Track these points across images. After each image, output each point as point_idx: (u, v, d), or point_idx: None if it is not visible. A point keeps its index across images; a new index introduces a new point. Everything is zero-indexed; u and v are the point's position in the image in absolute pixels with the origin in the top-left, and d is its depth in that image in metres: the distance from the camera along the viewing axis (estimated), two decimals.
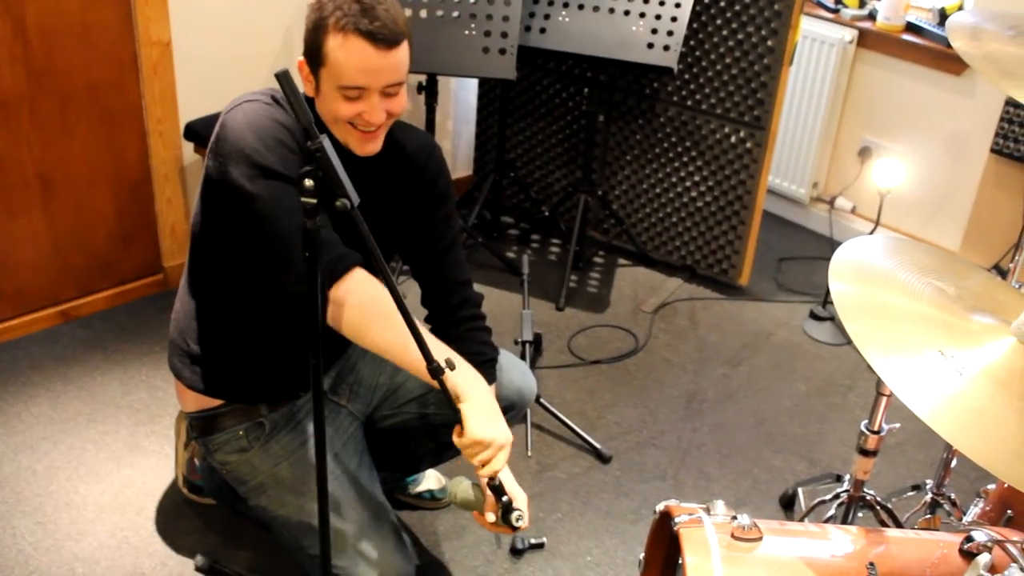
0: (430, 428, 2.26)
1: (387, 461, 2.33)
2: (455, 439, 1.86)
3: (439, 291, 2.19)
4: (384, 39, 1.80)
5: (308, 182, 1.54)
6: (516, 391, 2.29)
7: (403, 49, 1.85)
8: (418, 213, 2.14)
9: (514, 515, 1.92)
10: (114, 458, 2.73)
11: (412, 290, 2.26)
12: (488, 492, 1.93)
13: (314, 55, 1.84)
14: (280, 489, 2.08)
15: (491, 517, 1.96)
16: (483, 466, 1.87)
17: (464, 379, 1.85)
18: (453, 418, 1.85)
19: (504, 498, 1.91)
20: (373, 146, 1.93)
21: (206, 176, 1.92)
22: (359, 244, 1.61)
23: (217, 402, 2.11)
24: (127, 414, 2.90)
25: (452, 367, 1.76)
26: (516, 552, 2.54)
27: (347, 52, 1.80)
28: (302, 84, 1.91)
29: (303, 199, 1.54)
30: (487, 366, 2.14)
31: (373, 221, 2.01)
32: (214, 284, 2.07)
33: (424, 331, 1.78)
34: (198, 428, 2.15)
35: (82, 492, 2.61)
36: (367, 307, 1.82)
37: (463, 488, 2.00)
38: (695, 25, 3.58)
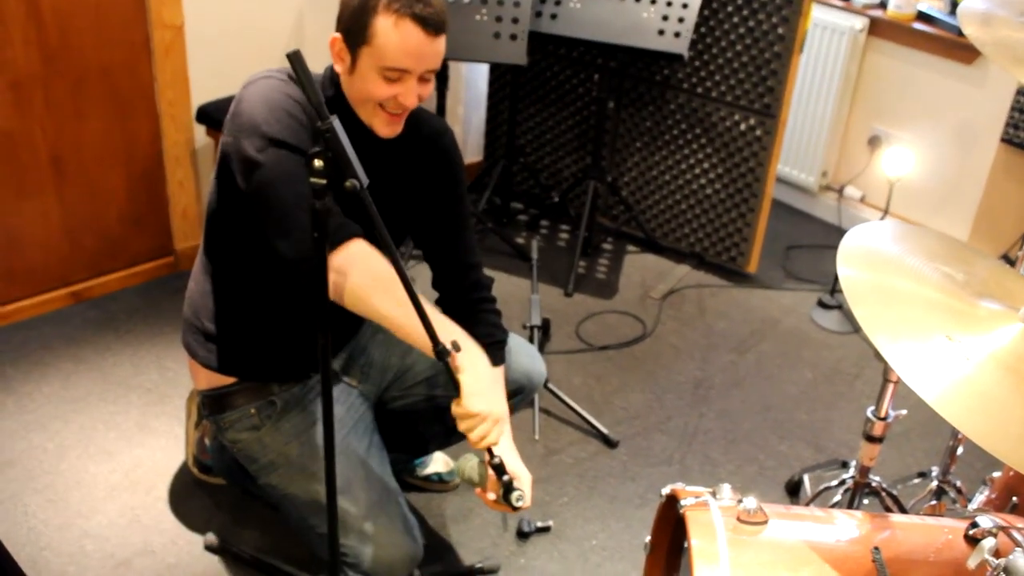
0: (438, 410, 2.27)
1: (396, 443, 2.35)
2: (453, 408, 1.88)
3: (450, 273, 2.20)
4: (434, 25, 1.85)
5: (318, 162, 1.54)
6: (524, 374, 2.30)
7: (445, 37, 1.90)
8: (431, 195, 2.16)
9: (514, 495, 1.93)
10: (125, 437, 2.75)
11: (422, 275, 2.27)
12: (490, 470, 1.94)
13: (357, 33, 1.86)
14: (290, 468, 2.10)
15: (492, 496, 1.97)
16: (480, 439, 1.87)
17: (466, 354, 1.86)
18: (454, 393, 1.87)
19: (505, 477, 1.92)
20: (396, 129, 1.96)
21: (222, 152, 1.94)
22: (367, 225, 1.62)
23: (229, 380, 2.13)
24: (138, 394, 2.92)
25: (458, 349, 1.78)
26: (522, 535, 2.56)
27: (400, 34, 1.83)
28: (333, 61, 1.94)
29: (312, 179, 1.55)
30: (496, 347, 2.15)
31: (387, 203, 2.03)
32: (228, 262, 2.09)
33: (432, 310, 1.79)
34: (210, 406, 2.17)
35: (92, 471, 2.63)
36: (367, 274, 1.83)
37: (470, 465, 2.01)
38: (706, 12, 3.57)
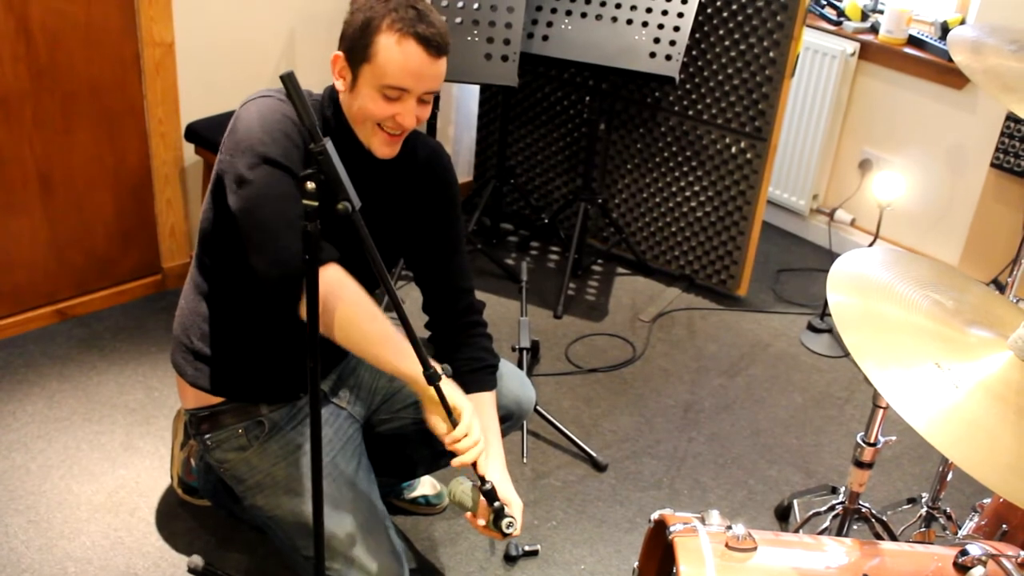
0: (426, 434, 2.25)
1: (384, 466, 2.33)
2: (444, 436, 1.89)
3: (443, 296, 2.20)
4: (436, 46, 1.87)
5: (310, 184, 1.54)
6: (514, 400, 2.30)
7: (446, 60, 1.91)
8: (427, 217, 2.16)
9: (504, 521, 1.92)
10: (109, 458, 2.73)
11: (410, 295, 2.25)
12: (481, 496, 1.93)
13: (359, 52, 1.87)
14: (277, 489, 2.08)
15: (482, 521, 1.96)
16: (476, 457, 1.90)
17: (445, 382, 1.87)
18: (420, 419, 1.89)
19: (496, 504, 1.91)
20: (393, 149, 1.97)
21: (217, 171, 1.94)
22: (359, 247, 1.61)
23: (217, 399, 2.12)
24: (122, 414, 2.89)
25: (449, 374, 1.78)
26: (510, 559, 2.54)
27: (402, 53, 1.84)
28: (334, 78, 1.95)
29: (304, 201, 1.55)
30: (487, 372, 2.15)
31: (382, 224, 2.03)
32: (219, 282, 2.08)
33: (401, 338, 1.82)
34: (197, 425, 2.15)
35: (76, 491, 2.60)
36: (337, 300, 1.82)
37: (461, 489, 2.00)
38: (697, 35, 3.59)
